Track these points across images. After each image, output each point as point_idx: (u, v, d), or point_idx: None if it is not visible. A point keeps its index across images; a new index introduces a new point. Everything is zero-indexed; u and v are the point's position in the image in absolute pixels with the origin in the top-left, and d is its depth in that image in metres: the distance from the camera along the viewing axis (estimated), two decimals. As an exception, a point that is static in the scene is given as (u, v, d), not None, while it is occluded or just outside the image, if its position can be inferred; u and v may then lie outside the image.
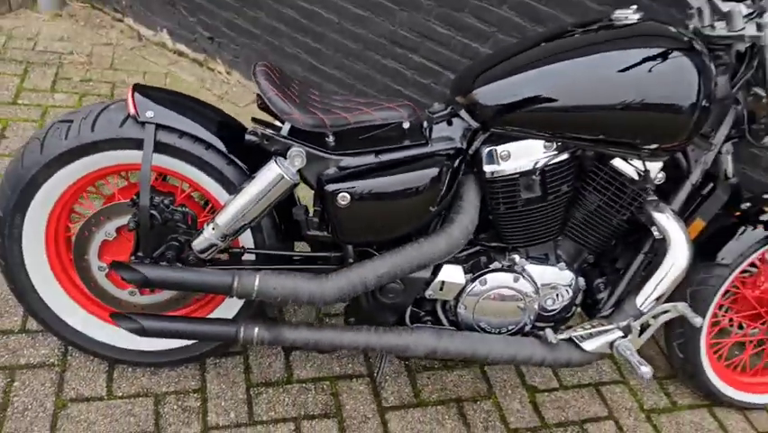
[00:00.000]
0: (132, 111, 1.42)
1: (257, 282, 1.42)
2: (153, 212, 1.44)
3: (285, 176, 1.39)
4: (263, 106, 1.58)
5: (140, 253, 1.49)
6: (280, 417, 1.73)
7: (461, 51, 2.42)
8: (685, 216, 1.68)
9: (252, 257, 1.57)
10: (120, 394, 1.69)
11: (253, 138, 1.41)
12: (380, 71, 2.64)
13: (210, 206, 1.62)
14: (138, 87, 1.47)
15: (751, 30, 1.46)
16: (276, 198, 1.43)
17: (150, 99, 1.45)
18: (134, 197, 1.46)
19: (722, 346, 2.01)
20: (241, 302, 1.66)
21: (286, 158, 1.42)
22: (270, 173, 1.40)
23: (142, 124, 1.42)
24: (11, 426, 1.56)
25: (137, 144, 1.44)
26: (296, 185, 1.44)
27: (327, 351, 1.64)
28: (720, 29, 1.51)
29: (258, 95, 1.57)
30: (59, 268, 1.60)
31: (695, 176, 1.64)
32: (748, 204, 1.79)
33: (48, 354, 1.73)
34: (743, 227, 1.79)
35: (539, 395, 1.97)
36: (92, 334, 1.65)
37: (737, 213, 1.80)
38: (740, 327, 2.00)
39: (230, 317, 1.67)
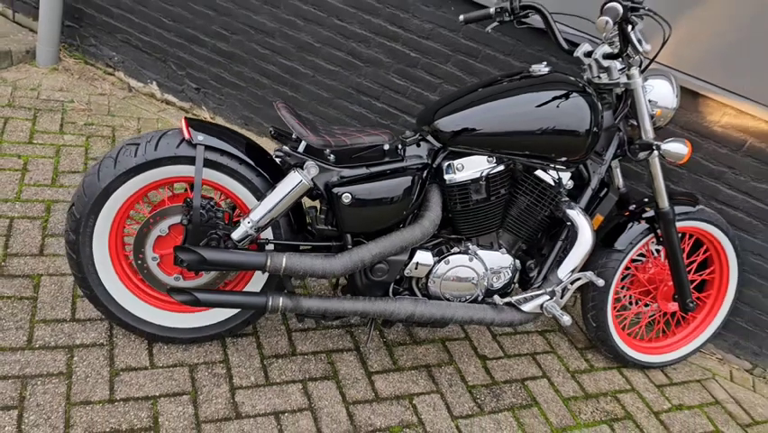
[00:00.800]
0: (186, 136, 1.90)
1: (284, 261, 1.90)
2: (202, 211, 1.91)
3: (304, 181, 1.90)
4: (275, 135, 2.10)
5: (187, 245, 1.95)
6: (290, 379, 2.17)
7: (415, 99, 3.03)
8: (589, 212, 2.29)
9: (272, 247, 2.05)
10: (161, 365, 2.09)
11: (281, 154, 1.93)
12: (349, 115, 3.20)
13: (237, 210, 2.10)
14: (189, 120, 1.96)
15: (623, 79, 2.12)
16: (296, 198, 1.93)
17: (200, 127, 1.94)
18: (187, 199, 1.93)
19: (624, 318, 2.62)
20: (263, 282, 2.13)
21: (303, 168, 1.93)
22: (293, 179, 1.90)
23: (194, 145, 1.91)
24: (77, 388, 1.93)
25: (189, 161, 1.92)
26: (310, 189, 1.94)
27: (333, 318, 2.11)
28: (604, 79, 2.16)
29: (272, 127, 2.09)
30: (117, 261, 2.03)
31: (594, 183, 2.26)
32: (634, 206, 2.43)
33: (97, 337, 2.12)
34: (630, 223, 2.42)
35: (489, 362, 2.49)
36: (144, 316, 2.06)
37: (627, 213, 2.43)
38: (636, 302, 2.62)
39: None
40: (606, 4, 1.83)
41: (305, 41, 3.15)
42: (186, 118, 1.96)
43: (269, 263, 1.89)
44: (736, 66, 2.42)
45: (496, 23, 2.37)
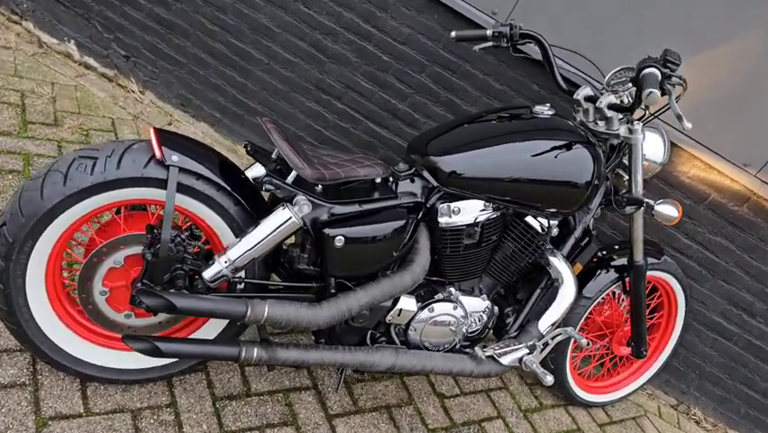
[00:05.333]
0: (158, 154, 1.58)
1: (266, 310, 1.65)
2: (171, 245, 1.61)
3: (294, 219, 1.66)
4: (251, 152, 1.82)
5: (146, 280, 1.64)
6: (246, 426, 1.94)
7: (381, 105, 2.81)
8: (570, 259, 2.23)
9: (242, 286, 1.79)
10: (97, 411, 1.78)
11: (270, 187, 1.66)
12: (304, 112, 2.92)
13: (202, 236, 1.80)
14: (159, 132, 1.63)
15: (624, 132, 2.04)
16: (282, 238, 1.68)
17: (173, 144, 1.62)
18: (153, 230, 1.62)
19: (575, 359, 2.63)
20: (222, 326, 1.87)
21: (293, 204, 1.68)
22: (282, 216, 1.65)
23: (167, 166, 1.59)
24: (-5, 445, 1.60)
25: (158, 184, 1.60)
26: (300, 228, 1.70)
27: (308, 367, 1.90)
28: (601, 126, 2.07)
29: (248, 143, 1.81)
30: (53, 292, 1.67)
31: (578, 231, 2.20)
32: (604, 252, 2.41)
33: (17, 374, 1.76)
34: (599, 270, 2.39)
35: (446, 400, 2.40)
36: (81, 355, 1.73)
37: (595, 259, 2.40)
38: (589, 344, 2.63)
39: (211, 338, 1.87)
40: (643, 68, 1.72)
41: (262, 24, 2.81)
42: (155, 130, 1.64)
43: (249, 313, 1.64)
44: (713, 122, 2.44)
45: (489, 45, 2.21)
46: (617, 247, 2.41)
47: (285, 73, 2.87)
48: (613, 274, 2.38)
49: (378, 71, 2.76)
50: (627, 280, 2.36)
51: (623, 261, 2.37)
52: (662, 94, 1.78)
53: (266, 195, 1.83)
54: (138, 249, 1.65)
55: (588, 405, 2.67)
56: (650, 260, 2.41)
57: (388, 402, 2.26)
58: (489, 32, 2.18)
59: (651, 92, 1.62)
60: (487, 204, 1.95)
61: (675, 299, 2.61)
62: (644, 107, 2.02)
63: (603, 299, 2.54)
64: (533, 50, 2.36)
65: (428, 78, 2.71)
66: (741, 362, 2.80)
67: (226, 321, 1.86)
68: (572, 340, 2.44)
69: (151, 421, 1.82)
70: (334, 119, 2.90)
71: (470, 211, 1.94)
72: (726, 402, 2.89)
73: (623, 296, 2.56)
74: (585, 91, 2.12)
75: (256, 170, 1.90)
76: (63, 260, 1.69)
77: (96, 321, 1.71)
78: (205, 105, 3.04)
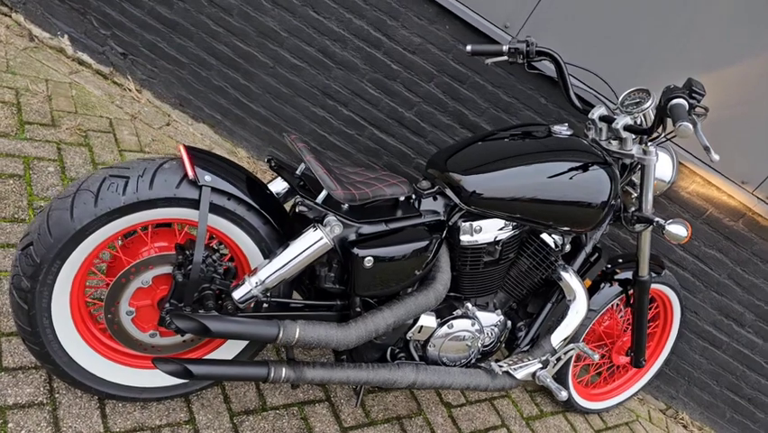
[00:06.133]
0: (191, 174, 1.55)
1: (298, 332, 1.65)
2: (203, 266, 1.59)
3: (326, 240, 1.65)
4: (275, 168, 1.81)
5: (173, 300, 1.62)
6: (265, 441, 1.94)
7: (387, 113, 2.80)
8: (580, 274, 2.27)
9: (266, 306, 1.77)
10: (117, 430, 1.75)
11: (304, 208, 1.65)
12: (308, 117, 2.89)
13: (227, 253, 1.78)
14: (189, 150, 1.60)
15: (638, 152, 2.08)
16: (314, 259, 1.67)
17: (204, 163, 1.60)
18: (186, 251, 1.59)
19: (576, 368, 2.69)
20: (241, 347, 1.86)
21: (324, 224, 1.67)
22: (314, 237, 1.64)
23: (199, 186, 1.57)
24: (18, 468, 1.56)
25: (190, 204, 1.58)
26: (331, 249, 1.69)
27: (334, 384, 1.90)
28: (614, 146, 2.11)
29: (271, 158, 1.80)
30: (77, 312, 1.64)
31: (589, 247, 2.24)
32: (608, 266, 2.47)
33: (34, 393, 1.72)
34: (603, 284, 2.45)
35: (453, 410, 2.43)
36: (103, 375, 1.70)
37: (600, 273, 2.46)
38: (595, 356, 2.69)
39: (229, 358, 1.86)
40: (671, 98, 1.75)
41: (269, 27, 2.76)
42: (186, 148, 1.61)
43: (281, 336, 1.63)
44: (713, 140, 2.50)
45: (501, 59, 2.23)
46: (620, 261, 2.47)
47: (290, 77, 2.83)
48: (617, 288, 2.44)
49: (386, 79, 2.75)
50: (631, 292, 2.42)
51: (626, 274, 2.43)
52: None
53: (287, 206, 1.82)
54: (167, 269, 1.63)
55: (587, 412, 2.74)
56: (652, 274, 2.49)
57: (399, 413, 2.29)
58: (505, 48, 2.19)
59: (682, 124, 1.65)
60: (507, 222, 1.98)
61: (671, 310, 2.69)
62: (659, 131, 2.06)
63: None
64: (547, 67, 2.39)
65: (437, 88, 2.72)
66: (729, 369, 2.90)
67: (242, 347, 1.86)
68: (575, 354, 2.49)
69: (172, 439, 1.80)
70: (340, 125, 2.88)
71: (491, 230, 1.96)
72: (713, 407, 3.00)
73: (622, 306, 2.63)
74: (600, 111, 2.16)
75: (277, 185, 1.89)
76: (88, 278, 1.65)
77: (119, 340, 1.67)
78: (206, 107, 2.98)
